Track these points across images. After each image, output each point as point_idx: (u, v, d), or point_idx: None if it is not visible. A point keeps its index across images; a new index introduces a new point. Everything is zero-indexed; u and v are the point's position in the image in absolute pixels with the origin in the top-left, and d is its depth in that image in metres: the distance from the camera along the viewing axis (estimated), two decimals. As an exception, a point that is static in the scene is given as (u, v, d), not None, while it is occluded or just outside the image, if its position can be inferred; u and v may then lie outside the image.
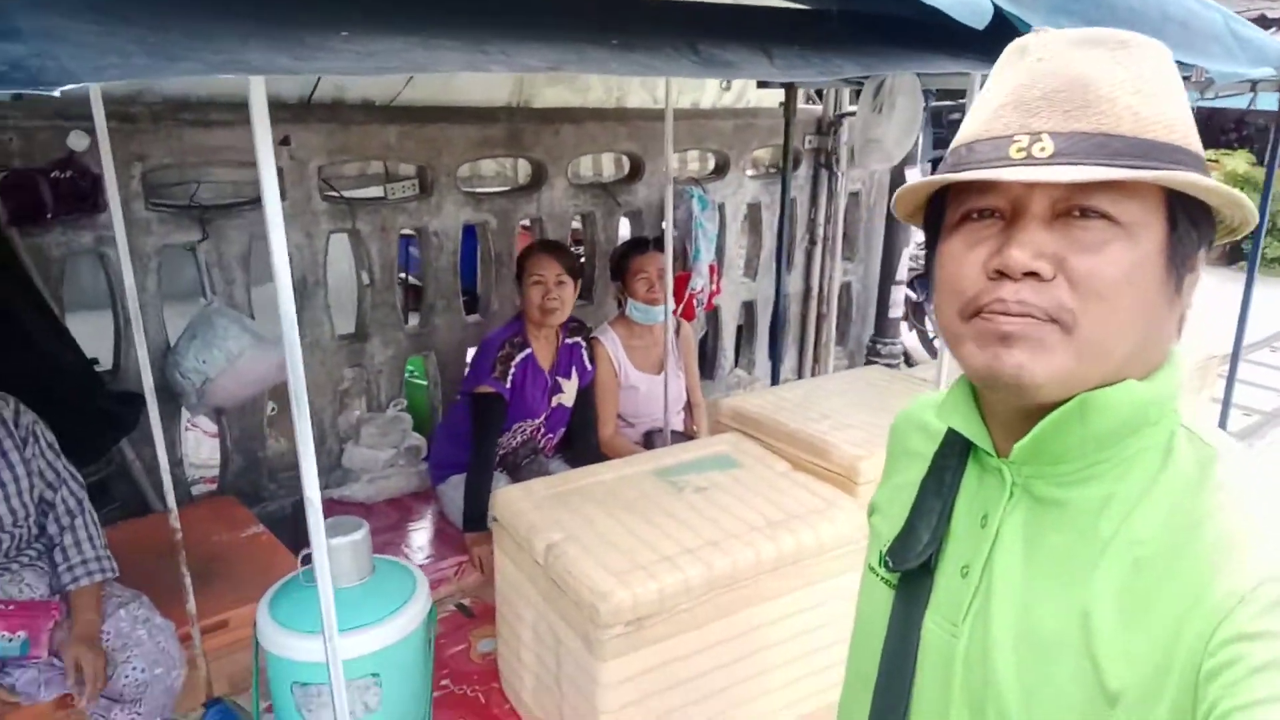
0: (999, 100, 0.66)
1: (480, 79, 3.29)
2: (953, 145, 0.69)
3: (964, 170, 0.66)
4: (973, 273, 0.66)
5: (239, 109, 2.80)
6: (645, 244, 3.22)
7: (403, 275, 5.00)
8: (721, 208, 4.06)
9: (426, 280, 3.34)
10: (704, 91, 3.99)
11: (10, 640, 1.84)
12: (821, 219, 4.48)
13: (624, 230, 3.95)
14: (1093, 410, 0.64)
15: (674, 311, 3.29)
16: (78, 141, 2.41)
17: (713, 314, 4.29)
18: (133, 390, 2.66)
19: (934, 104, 4.13)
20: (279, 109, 2.85)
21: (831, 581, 1.62)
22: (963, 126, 0.70)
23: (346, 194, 3.14)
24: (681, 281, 3.83)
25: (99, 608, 1.96)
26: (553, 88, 3.54)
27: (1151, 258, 0.64)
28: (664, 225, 3.61)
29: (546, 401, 2.96)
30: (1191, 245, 0.66)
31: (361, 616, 1.47)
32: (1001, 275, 0.64)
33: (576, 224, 3.87)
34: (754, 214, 4.30)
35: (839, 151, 4.29)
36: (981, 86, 0.72)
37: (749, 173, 4.22)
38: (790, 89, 3.32)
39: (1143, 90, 0.64)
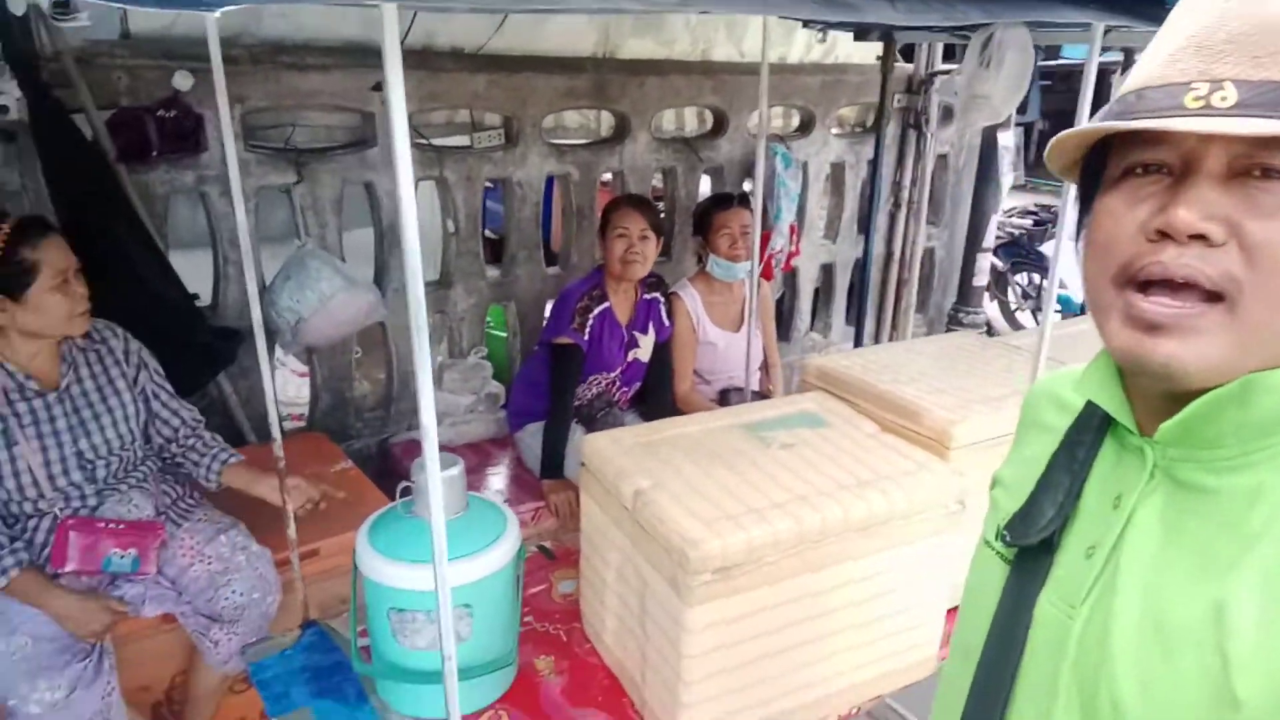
0: (1177, 43, 0.60)
1: (567, 27, 3.28)
2: (1120, 91, 0.63)
3: (1131, 119, 0.59)
4: (1130, 232, 0.61)
5: (333, 53, 2.84)
6: (730, 199, 3.19)
7: (484, 231, 5.06)
8: (805, 166, 3.98)
9: (509, 230, 3.37)
10: (792, 46, 3.90)
11: (122, 557, 1.95)
12: (907, 181, 4.37)
13: (704, 187, 3.91)
14: (1255, 394, 0.59)
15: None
16: (183, 81, 2.49)
17: (790, 275, 4.25)
18: (231, 326, 2.77)
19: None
20: (372, 54, 2.89)
21: (919, 545, 1.60)
22: (1133, 71, 0.64)
23: (434, 141, 3.17)
24: (761, 241, 3.78)
25: (262, 476, 2.12)
26: (638, 39, 3.50)
27: None
28: (753, 181, 3.57)
29: (623, 355, 2.98)
30: None
31: (456, 549, 1.52)
32: (1164, 237, 0.58)
33: (657, 181, 3.85)
34: (837, 174, 4.21)
35: (929, 111, 4.16)
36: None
37: (834, 131, 4.13)
38: (889, 43, 3.22)
39: None
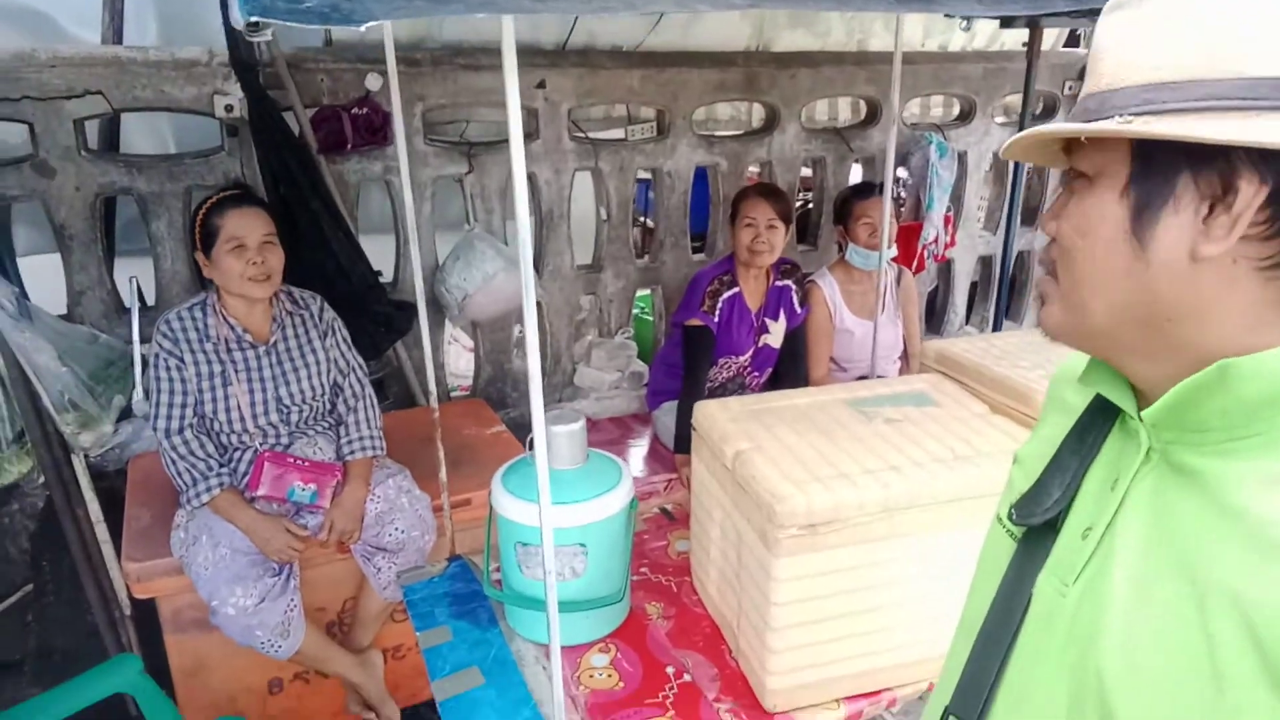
0: None
1: (721, 24, 3.41)
2: None
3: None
4: None
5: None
6: (870, 189, 3.22)
7: (641, 219, 5.29)
8: (962, 156, 3.92)
9: (658, 218, 3.55)
10: (953, 34, 3.84)
11: (303, 489, 2.29)
12: (1076, 171, 4.18)
13: (855, 176, 3.93)
14: (1233, 379, 0.60)
15: (893, 259, 3.28)
16: (374, 82, 2.83)
17: (945, 267, 4.18)
18: (407, 300, 3.11)
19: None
20: (537, 54, 3.15)
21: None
22: None
23: (591, 135, 3.40)
24: (912, 232, 3.77)
25: (368, 479, 2.37)
26: (792, 31, 3.58)
27: (1107, 204, 0.65)
28: (905, 170, 3.56)
29: (752, 340, 3.08)
30: (1161, 182, 0.61)
31: (574, 494, 1.71)
32: None
33: (807, 171, 3.91)
34: (1000, 164, 4.10)
35: (1102, 98, 3.96)
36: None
37: (998, 120, 4.02)
38: (1035, 28, 3.13)
39: (1139, 39, 0.63)
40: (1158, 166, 0.62)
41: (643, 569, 2.07)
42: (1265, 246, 0.60)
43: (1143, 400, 0.70)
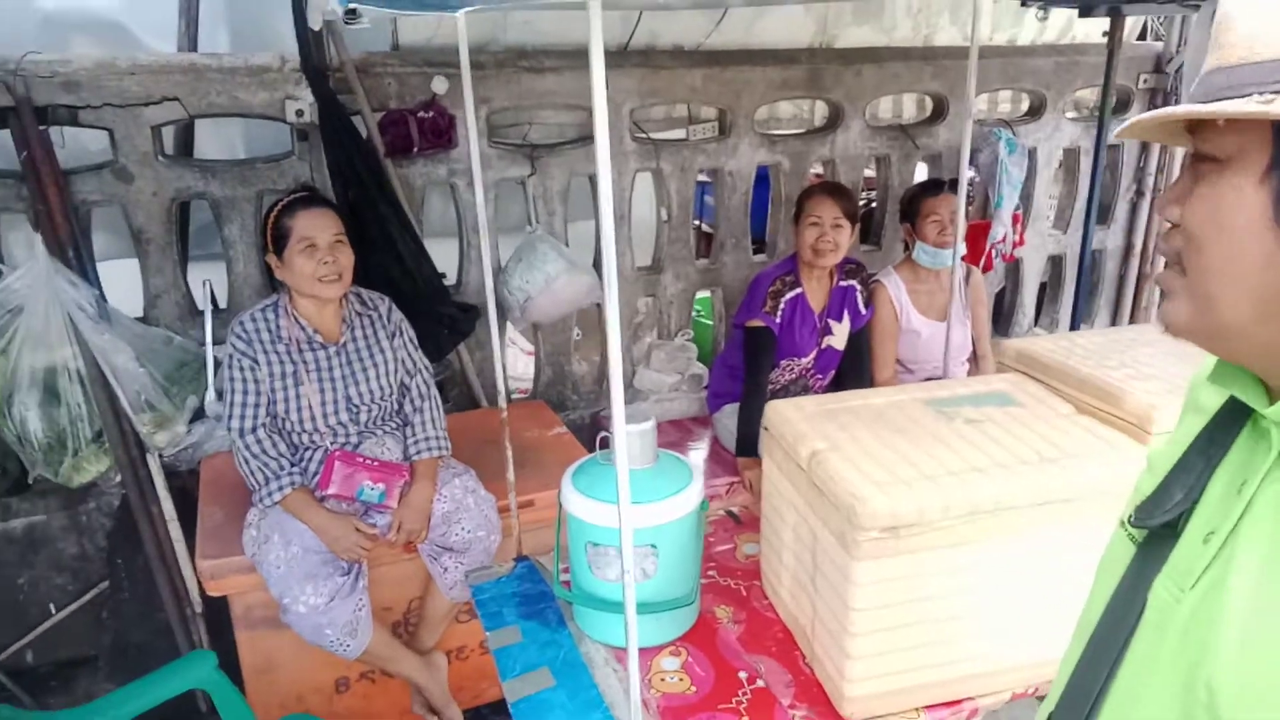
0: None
1: (785, 21, 3.37)
2: None
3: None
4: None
5: (566, 56, 3.12)
6: (939, 186, 3.15)
7: (697, 222, 5.27)
8: (1032, 152, 3.81)
9: (719, 219, 3.51)
10: (1022, 27, 3.75)
11: (372, 489, 2.30)
12: (1153, 168, 4.05)
13: (920, 174, 3.85)
14: None
15: (962, 257, 3.19)
16: (439, 85, 2.86)
17: (1014, 266, 4.07)
18: (470, 302, 3.13)
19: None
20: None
21: (1103, 529, 1.56)
22: None
23: (653, 135, 3.38)
24: (980, 230, 3.67)
25: (434, 478, 2.38)
26: (858, 27, 3.53)
27: (1243, 191, 0.59)
28: (974, 168, 3.47)
29: (815, 342, 3.02)
30: None
31: (645, 494, 1.68)
32: None
33: (870, 171, 3.84)
34: (1070, 160, 3.98)
35: (1180, 92, 3.83)
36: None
37: (1069, 115, 3.91)
38: (1117, 16, 3.03)
39: (1265, 9, 0.59)
40: None
41: (710, 572, 2.04)
42: None
43: (1276, 398, 0.66)
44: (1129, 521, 0.77)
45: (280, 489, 2.20)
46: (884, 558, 1.47)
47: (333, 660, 2.33)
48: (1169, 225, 0.67)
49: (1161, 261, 0.67)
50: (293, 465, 2.25)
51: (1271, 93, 0.57)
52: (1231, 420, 0.72)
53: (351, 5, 0.80)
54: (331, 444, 2.32)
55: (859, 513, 1.43)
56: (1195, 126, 0.64)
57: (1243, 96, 0.58)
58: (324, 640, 2.18)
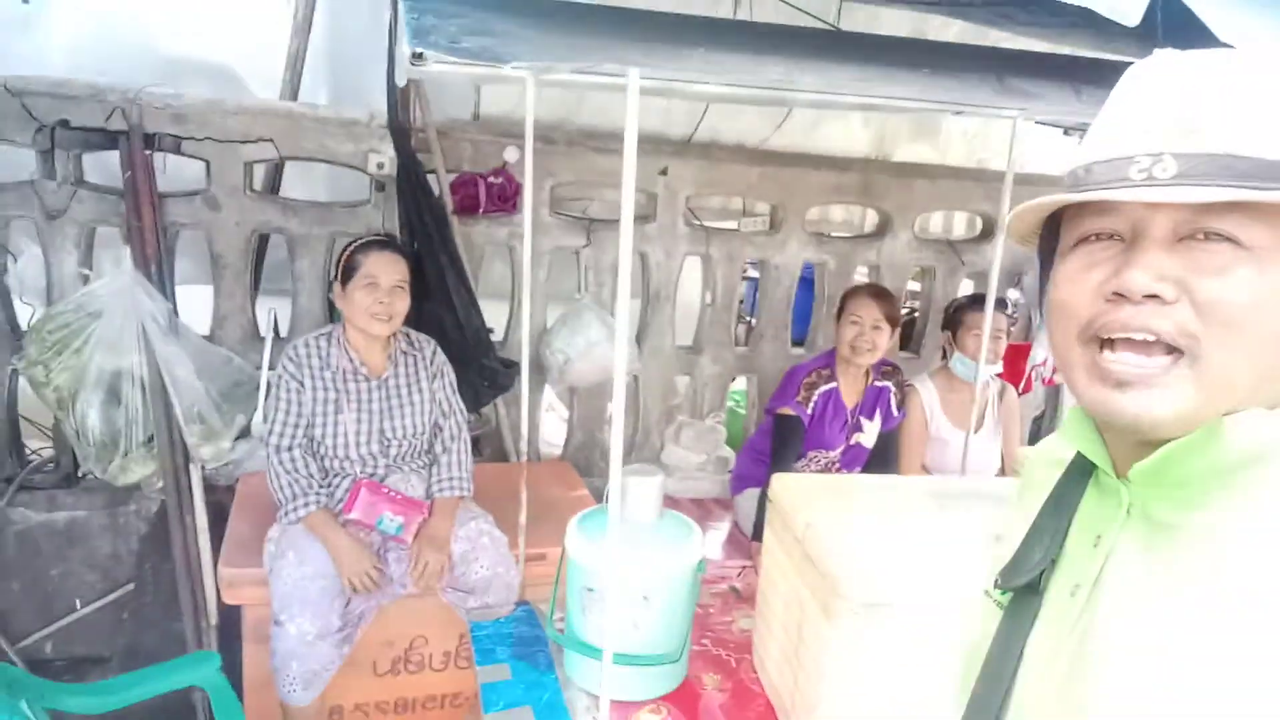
0: (1119, 122, 0.66)
1: (843, 130, 3.54)
2: (1070, 167, 0.69)
3: (1084, 192, 0.65)
4: (1088, 295, 0.66)
5: (633, 141, 3.32)
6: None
7: (746, 318, 5.40)
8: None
9: (761, 309, 3.63)
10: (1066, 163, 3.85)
11: (392, 520, 2.39)
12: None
13: (965, 289, 3.93)
14: (1217, 441, 0.62)
15: (998, 374, 3.23)
16: (511, 154, 3.06)
17: (1054, 391, 4.08)
18: (512, 359, 3.26)
19: None
20: (663, 143, 3.34)
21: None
22: (1080, 149, 0.69)
23: (706, 223, 3.54)
24: (1020, 352, 3.71)
25: (453, 517, 2.46)
26: (914, 144, 3.68)
27: (1274, 281, 0.61)
28: (1019, 290, 3.53)
29: (845, 437, 3.06)
30: None
31: (642, 545, 1.74)
32: (1120, 298, 0.64)
33: (915, 285, 3.92)
34: (1117, 292, 4.02)
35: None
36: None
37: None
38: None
39: (1271, 110, 0.61)
40: None
41: (704, 641, 2.06)
42: None
43: (1116, 455, 0.71)
44: (994, 588, 0.81)
45: (306, 505, 2.30)
46: (863, 631, 1.50)
47: (330, 688, 2.37)
48: (1155, 303, 0.63)
49: (1131, 353, 0.64)
50: (321, 486, 2.36)
51: None
52: (1075, 482, 0.77)
53: (419, 50, 0.93)
54: (360, 473, 2.43)
55: (842, 583, 1.48)
56: (1209, 207, 0.62)
57: (1253, 188, 0.60)
58: (285, 670, 2.21)
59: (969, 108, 1.75)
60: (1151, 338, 0.63)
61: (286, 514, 2.32)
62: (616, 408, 1.43)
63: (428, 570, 2.34)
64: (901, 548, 1.57)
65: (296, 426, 2.38)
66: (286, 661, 2.21)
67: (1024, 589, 0.77)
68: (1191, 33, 1.27)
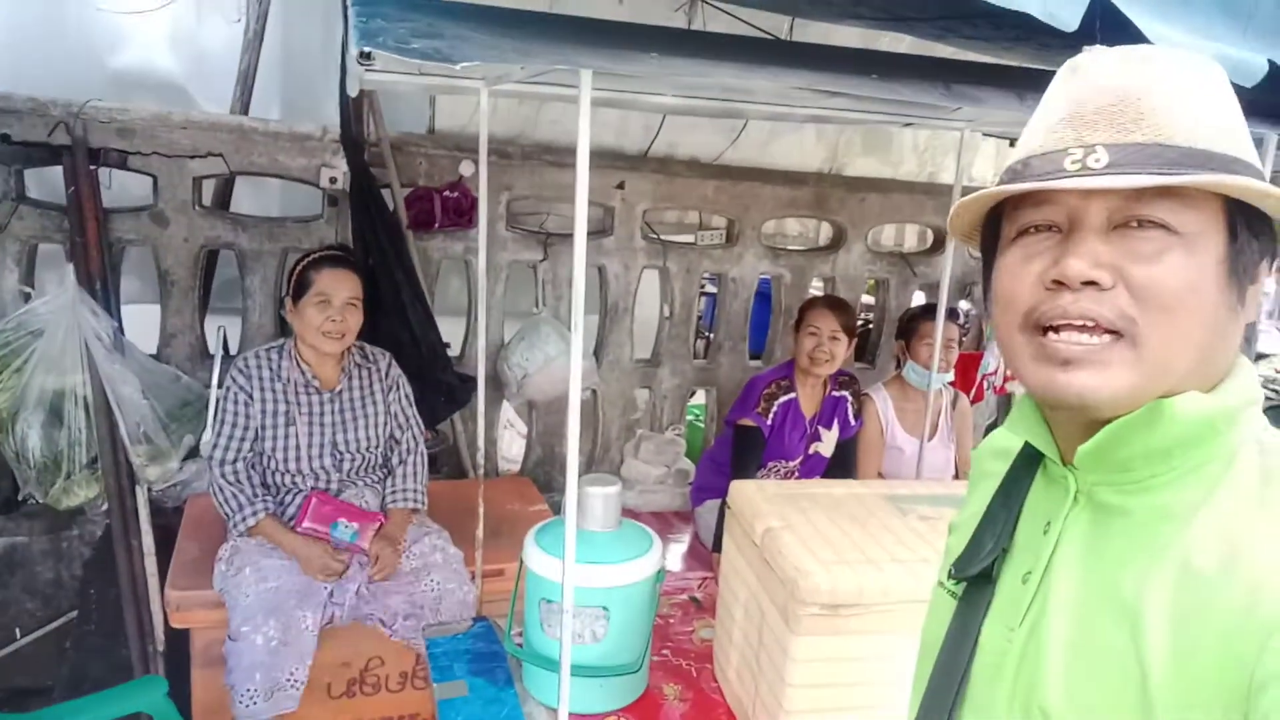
0: (1053, 117, 0.68)
1: (797, 145, 3.59)
2: (1007, 163, 0.72)
3: (1021, 183, 0.67)
4: (1029, 285, 0.68)
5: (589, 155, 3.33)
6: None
7: (705, 334, 5.43)
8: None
9: (719, 322, 3.65)
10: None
11: (347, 527, 2.35)
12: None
13: (918, 300, 3.99)
14: (1159, 420, 0.64)
15: (950, 382, 3.28)
16: (467, 168, 3.05)
17: (1005, 399, 4.15)
18: (470, 374, 3.24)
19: None
20: (619, 158, 3.35)
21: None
22: (1017, 144, 0.72)
23: (663, 237, 3.56)
24: (972, 361, 3.78)
25: (405, 526, 2.45)
26: (865, 158, 3.74)
27: (1211, 268, 0.64)
28: (968, 300, 3.60)
29: (804, 447, 3.08)
30: (1252, 256, 0.66)
31: (601, 556, 1.73)
32: (1060, 286, 0.66)
33: (869, 298, 3.98)
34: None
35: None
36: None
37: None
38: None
39: (1196, 102, 0.64)
40: (1253, 230, 0.66)
41: (664, 651, 2.05)
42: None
43: (1063, 444, 0.73)
44: (947, 578, 0.82)
45: (254, 513, 2.27)
46: (823, 635, 1.50)
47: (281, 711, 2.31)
48: (1093, 289, 0.65)
49: (1074, 333, 0.65)
50: (268, 496, 2.33)
51: (1221, 172, 0.63)
52: (1024, 472, 0.79)
53: (367, 49, 0.93)
54: (312, 486, 2.38)
55: (801, 587, 1.48)
56: (1140, 195, 0.64)
57: (1202, 173, 0.62)
58: (246, 683, 2.13)
59: (919, 112, 1.79)
60: (1091, 323, 0.65)
61: (235, 525, 2.28)
62: (572, 419, 1.43)
63: (383, 562, 2.32)
64: (859, 550, 1.58)
65: (243, 440, 2.34)
66: (249, 674, 2.13)
67: (977, 578, 0.78)
68: (1126, 39, 1.31)
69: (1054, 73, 0.70)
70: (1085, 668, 0.65)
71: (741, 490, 1.84)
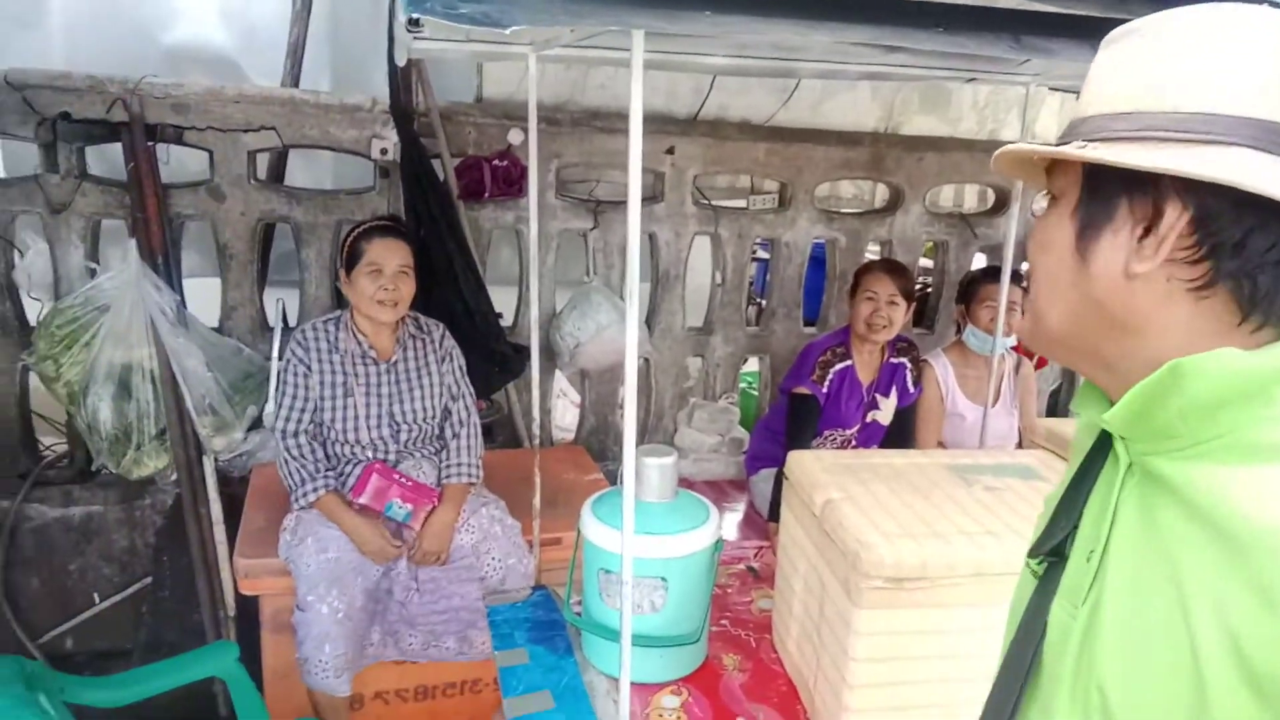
0: None
1: (851, 104, 3.49)
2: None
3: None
4: None
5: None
6: (1000, 273, 3.16)
7: (756, 299, 5.36)
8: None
9: (772, 288, 3.59)
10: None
11: (401, 507, 2.37)
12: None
13: (979, 263, 3.88)
14: (1185, 378, 0.62)
15: (1014, 347, 3.19)
16: (515, 136, 3.03)
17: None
18: (523, 344, 3.24)
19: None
20: (669, 122, 3.30)
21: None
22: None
23: (714, 202, 3.50)
24: (1035, 324, 3.66)
25: (460, 505, 2.45)
26: (923, 116, 3.62)
27: (1062, 222, 0.70)
28: (1007, 254, 3.50)
29: (861, 415, 3.02)
30: (1102, 204, 0.67)
31: (659, 526, 1.72)
32: None
33: (926, 261, 3.87)
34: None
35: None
36: None
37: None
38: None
39: (1112, 73, 0.69)
40: (1102, 190, 0.67)
41: (723, 621, 2.05)
42: (1193, 269, 0.64)
43: None
44: (1029, 556, 0.82)
45: (315, 490, 2.30)
46: (886, 608, 1.47)
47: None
48: None
49: None
50: (330, 470, 2.37)
51: (1088, 140, 0.67)
52: (1100, 448, 0.78)
53: (415, 16, 0.91)
54: (371, 457, 2.42)
55: (863, 559, 1.45)
56: (1052, 167, 0.73)
57: (1068, 143, 0.68)
58: (317, 655, 2.19)
59: (983, 66, 1.71)
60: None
61: (297, 499, 2.32)
62: (630, 389, 1.41)
63: (426, 559, 2.35)
64: (922, 521, 1.54)
65: (304, 411, 2.38)
66: (319, 645, 2.19)
67: (1053, 556, 0.78)
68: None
69: (1126, 20, 0.70)
70: (1139, 646, 0.64)
71: (799, 461, 1.81)
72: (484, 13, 0.93)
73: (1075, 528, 0.76)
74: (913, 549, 1.46)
